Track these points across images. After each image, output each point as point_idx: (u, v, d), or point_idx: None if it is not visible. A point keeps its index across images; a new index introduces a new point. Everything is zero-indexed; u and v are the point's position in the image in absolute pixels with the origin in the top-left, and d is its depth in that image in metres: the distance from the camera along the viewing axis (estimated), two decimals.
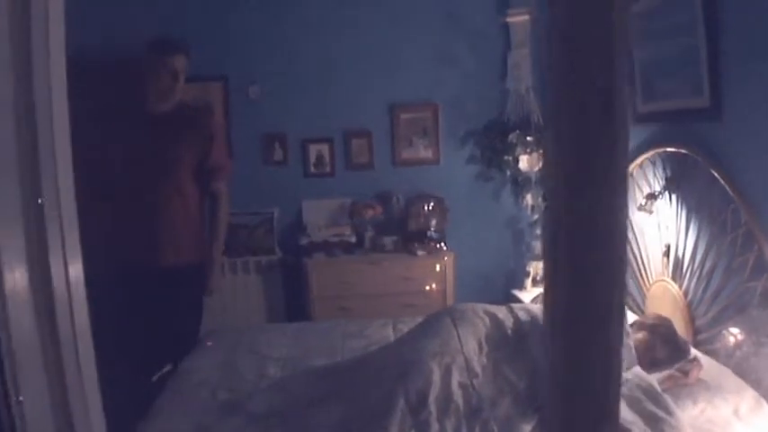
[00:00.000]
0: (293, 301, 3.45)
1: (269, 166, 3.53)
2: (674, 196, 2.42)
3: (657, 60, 2.48)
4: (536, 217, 3.42)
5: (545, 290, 0.60)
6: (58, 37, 0.75)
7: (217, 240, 2.58)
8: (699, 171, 2.24)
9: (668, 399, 1.87)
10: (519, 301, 3.22)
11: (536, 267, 3.36)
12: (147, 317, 2.40)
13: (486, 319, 2.17)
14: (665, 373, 2.02)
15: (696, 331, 2.32)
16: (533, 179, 3.36)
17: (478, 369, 2.00)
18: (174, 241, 2.46)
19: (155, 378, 2.41)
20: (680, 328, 2.37)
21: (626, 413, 1.83)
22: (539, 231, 3.40)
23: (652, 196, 2.41)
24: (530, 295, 3.30)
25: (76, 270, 0.80)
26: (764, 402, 1.89)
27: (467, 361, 2.01)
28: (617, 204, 0.53)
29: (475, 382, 1.96)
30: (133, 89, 2.51)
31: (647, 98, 2.58)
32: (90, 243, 0.90)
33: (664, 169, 2.49)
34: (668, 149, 2.43)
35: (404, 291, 3.32)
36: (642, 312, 2.64)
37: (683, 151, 2.33)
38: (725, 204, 2.11)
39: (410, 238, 3.42)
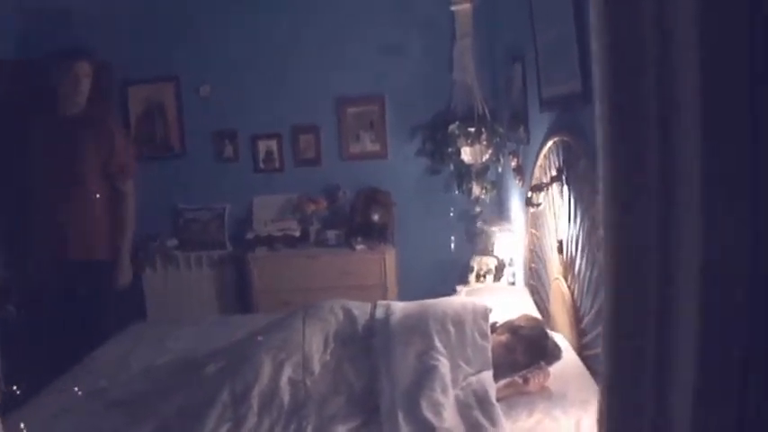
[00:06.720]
0: (242, 295, 3.53)
1: (220, 162, 3.63)
2: (564, 188, 2.24)
3: (552, 44, 2.30)
4: (479, 209, 3.28)
5: None
6: None
7: (123, 237, 2.69)
8: (579, 160, 2.07)
9: (498, 408, 1.76)
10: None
11: (479, 262, 3.23)
12: (56, 308, 2.57)
13: (340, 315, 2.13)
14: (507, 379, 1.89)
15: (581, 333, 2.14)
16: (473, 171, 3.23)
17: (317, 366, 1.98)
18: (80, 237, 2.61)
19: None
20: (567, 329, 2.21)
21: (451, 419, 1.74)
22: (479, 224, 3.26)
23: (537, 188, 2.24)
24: (470, 291, 3.16)
25: None
26: None
27: (305, 358, 1.98)
28: None
29: (308, 379, 1.94)
30: (47, 92, 2.68)
31: (547, 83, 2.40)
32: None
33: (558, 159, 2.31)
34: (561, 138, 2.25)
35: (343, 285, 3.28)
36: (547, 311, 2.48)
37: (566, 139, 2.16)
38: (593, 196, 1.93)
39: (353, 232, 3.40)
